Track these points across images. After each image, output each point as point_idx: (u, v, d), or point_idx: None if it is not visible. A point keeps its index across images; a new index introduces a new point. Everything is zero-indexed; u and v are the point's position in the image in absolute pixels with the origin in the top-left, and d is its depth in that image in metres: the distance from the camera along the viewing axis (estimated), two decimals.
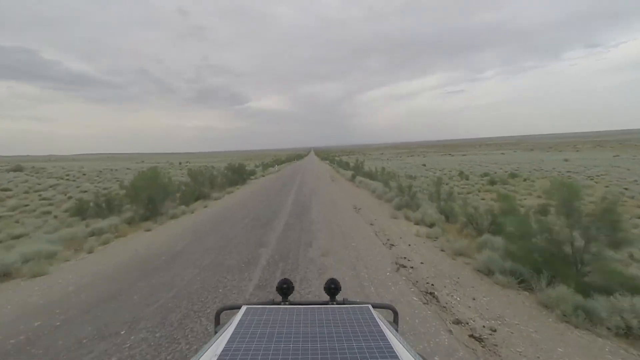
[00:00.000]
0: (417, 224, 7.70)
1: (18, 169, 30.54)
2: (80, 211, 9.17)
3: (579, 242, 3.58)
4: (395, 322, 1.33)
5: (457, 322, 3.31)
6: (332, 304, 1.21)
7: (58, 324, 3.49)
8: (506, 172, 24.85)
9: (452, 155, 67.76)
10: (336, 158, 66.46)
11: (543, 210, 5.66)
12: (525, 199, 12.59)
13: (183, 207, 10.39)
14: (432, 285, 4.23)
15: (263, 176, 25.71)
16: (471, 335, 3.08)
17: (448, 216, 7.69)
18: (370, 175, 18.80)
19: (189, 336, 3.14)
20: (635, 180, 17.75)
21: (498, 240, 5.06)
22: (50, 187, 18.94)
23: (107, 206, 9.19)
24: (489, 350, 2.87)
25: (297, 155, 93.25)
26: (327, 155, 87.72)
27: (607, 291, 3.21)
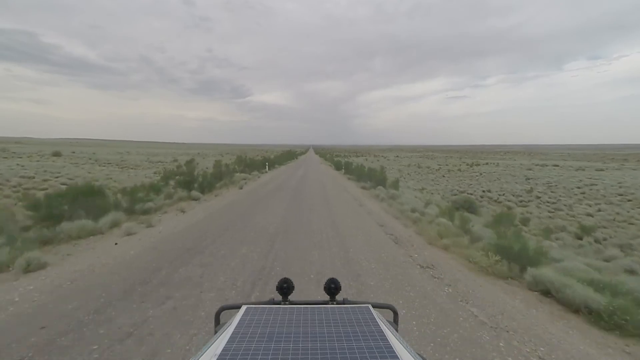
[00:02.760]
0: None
1: None
2: None
3: None
4: (395, 322, 1.33)
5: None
6: (332, 304, 1.21)
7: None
8: None
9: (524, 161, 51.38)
10: (336, 159, 42.24)
11: None
12: None
13: None
14: None
15: None
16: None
17: None
18: None
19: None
20: None
21: None
22: None
23: None
24: None
25: (281, 157, 42.98)
26: (331, 155, 60.79)
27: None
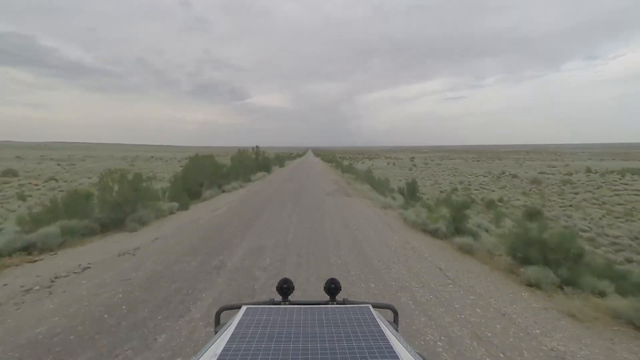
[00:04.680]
0: None
1: None
2: None
3: None
4: (395, 322, 1.33)
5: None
6: (332, 304, 1.21)
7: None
8: None
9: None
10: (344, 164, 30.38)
11: None
12: None
13: None
14: None
15: None
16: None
17: None
18: None
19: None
20: None
21: None
22: None
23: None
24: None
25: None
26: (349, 164, 35.27)
27: None
